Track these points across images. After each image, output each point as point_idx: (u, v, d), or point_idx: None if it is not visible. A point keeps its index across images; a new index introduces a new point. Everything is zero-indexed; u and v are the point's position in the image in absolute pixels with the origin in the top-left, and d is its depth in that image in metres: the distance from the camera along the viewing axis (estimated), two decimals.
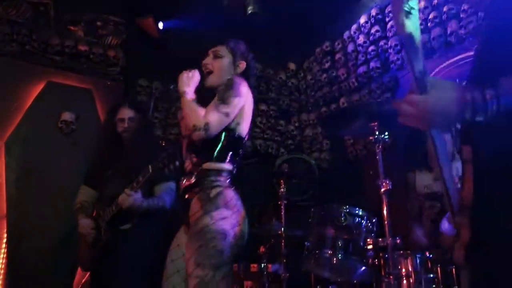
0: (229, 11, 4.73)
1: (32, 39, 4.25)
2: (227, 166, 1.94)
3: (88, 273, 3.10)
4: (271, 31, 5.14)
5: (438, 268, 2.35)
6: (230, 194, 1.88)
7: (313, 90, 5.50)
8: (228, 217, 1.80)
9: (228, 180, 1.92)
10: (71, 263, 3.81)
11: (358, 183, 4.40)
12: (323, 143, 5.27)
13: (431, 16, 3.93)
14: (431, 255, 2.41)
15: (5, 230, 3.79)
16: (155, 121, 4.75)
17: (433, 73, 3.95)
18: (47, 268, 3.80)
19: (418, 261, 2.39)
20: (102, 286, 2.77)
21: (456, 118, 1.03)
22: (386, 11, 4.51)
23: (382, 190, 2.32)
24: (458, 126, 1.17)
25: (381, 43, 4.51)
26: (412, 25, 0.99)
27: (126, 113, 2.92)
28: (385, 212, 2.28)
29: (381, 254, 2.48)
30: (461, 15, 3.68)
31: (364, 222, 2.56)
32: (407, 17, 0.97)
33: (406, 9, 0.98)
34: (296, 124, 5.65)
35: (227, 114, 1.90)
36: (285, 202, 3.40)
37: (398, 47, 4.31)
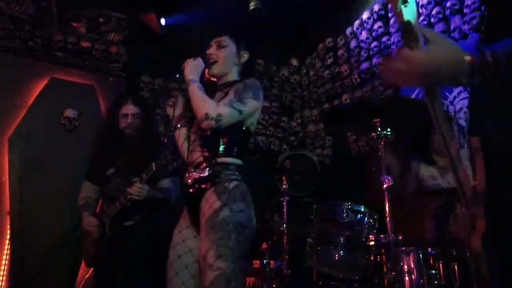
0: (231, 7, 4.72)
1: (35, 36, 4.26)
2: (238, 160, 1.96)
3: (92, 269, 3.11)
4: (274, 27, 5.13)
5: (440, 264, 2.35)
6: (245, 188, 1.90)
7: (316, 86, 5.49)
8: (244, 210, 1.82)
9: (242, 175, 1.94)
10: (75, 259, 3.84)
11: (360, 179, 4.39)
12: (325, 139, 5.27)
13: (434, 12, 3.91)
14: (433, 251, 2.40)
15: (8, 227, 3.81)
16: (157, 117, 4.75)
17: None
18: (51, 264, 3.82)
19: (420, 257, 2.39)
20: (105, 282, 2.78)
21: (451, 78, 0.98)
22: (389, 6, 4.49)
23: (385, 186, 2.33)
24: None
25: (384, 39, 4.50)
26: (410, 12, 0.97)
27: (130, 108, 2.92)
28: (387, 208, 2.28)
29: (383, 251, 2.48)
30: (465, 11, 3.66)
31: (366, 218, 2.56)
32: (404, 5, 0.97)
33: None
34: (299, 121, 5.65)
35: (240, 112, 1.90)
36: (287, 198, 3.40)
37: (401, 43, 4.28)
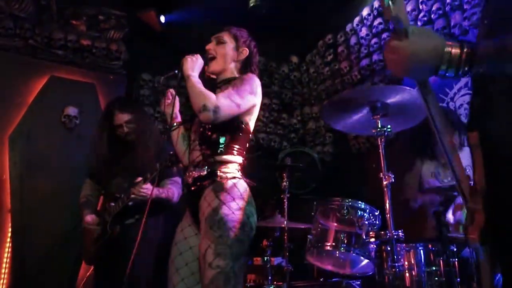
0: (231, 4, 4.71)
1: (35, 34, 4.26)
2: (237, 158, 1.95)
3: (92, 267, 3.12)
4: (274, 24, 5.12)
5: (441, 261, 2.35)
6: (244, 185, 1.90)
7: (316, 83, 5.48)
8: (244, 208, 1.81)
9: (239, 172, 1.93)
10: (76, 257, 3.85)
11: (361, 176, 4.39)
12: (326, 136, 5.27)
13: (434, 8, 3.90)
14: (433, 248, 2.41)
15: (9, 225, 3.82)
16: (157, 115, 4.75)
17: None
18: (52, 262, 3.83)
19: (420, 253, 2.40)
20: (106, 280, 2.79)
21: (432, 68, 1.04)
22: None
23: (385, 183, 2.32)
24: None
25: (384, 35, 4.49)
26: (398, 8, 1.02)
27: (122, 118, 2.88)
28: (387, 205, 2.28)
29: (383, 247, 2.48)
30: (465, 7, 3.65)
31: (366, 215, 2.56)
32: (392, 2, 1.01)
33: None
34: (299, 118, 5.65)
35: (238, 106, 1.88)
36: (288, 195, 3.41)
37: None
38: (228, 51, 2.07)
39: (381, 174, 2.35)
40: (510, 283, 1.01)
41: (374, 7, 4.63)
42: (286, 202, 3.35)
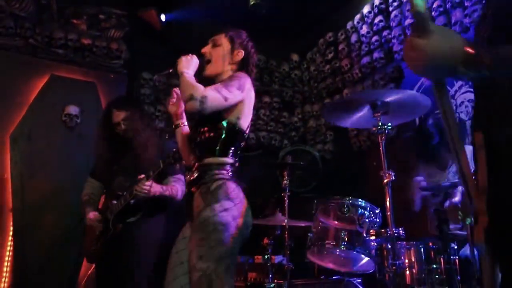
0: (231, 3, 4.71)
1: (35, 33, 4.26)
2: (229, 160, 1.94)
3: (94, 265, 3.13)
4: (274, 23, 5.12)
5: (441, 259, 2.35)
6: (232, 186, 1.87)
7: (317, 81, 5.48)
8: (230, 209, 1.79)
9: (230, 173, 1.92)
10: (77, 255, 3.86)
11: (361, 174, 4.40)
12: (326, 134, 5.27)
13: (435, 5, 3.90)
14: (434, 246, 2.41)
15: (10, 224, 3.83)
16: (158, 113, 4.76)
17: None
18: (53, 260, 3.84)
19: (421, 251, 2.40)
20: (107, 278, 2.80)
21: (450, 68, 1.02)
22: (390, 0, 4.47)
23: (385, 181, 2.33)
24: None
25: (385, 33, 4.48)
26: (421, 4, 1.00)
27: (119, 115, 2.90)
28: (388, 203, 2.28)
29: (384, 245, 2.48)
30: (466, 4, 3.65)
31: (367, 213, 2.56)
32: None
33: None
34: (300, 116, 5.65)
35: (226, 99, 1.88)
36: (289, 193, 3.41)
37: (402, 37, 4.28)
38: (223, 53, 2.07)
39: (381, 172, 2.35)
40: (509, 283, 1.01)
41: (374, 4, 4.62)
42: (287, 200, 3.35)
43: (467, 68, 1.00)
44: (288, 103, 5.69)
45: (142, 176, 2.62)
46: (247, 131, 2.05)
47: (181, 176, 2.85)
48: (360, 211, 2.57)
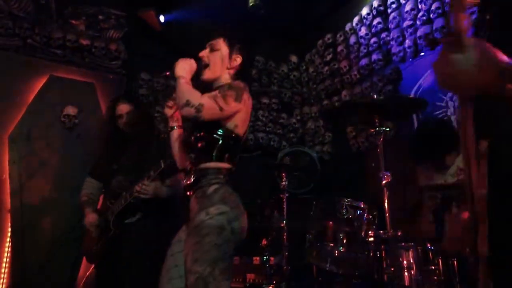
0: (230, 4, 4.72)
1: (34, 33, 4.25)
2: (225, 165, 1.94)
3: (93, 265, 3.12)
4: (273, 24, 5.13)
5: (440, 260, 2.36)
6: (228, 191, 1.89)
7: (315, 82, 5.49)
8: (225, 212, 1.80)
9: (226, 178, 1.92)
10: (76, 256, 3.86)
11: (360, 175, 4.40)
12: (325, 136, 5.28)
13: (433, 7, 3.91)
14: (432, 247, 2.41)
15: (9, 224, 3.82)
16: (157, 115, 4.76)
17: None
18: (52, 261, 3.84)
19: (419, 253, 2.40)
20: (107, 278, 2.80)
21: (487, 84, 0.97)
22: (388, 2, 4.49)
23: (383, 182, 2.33)
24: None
25: (383, 35, 4.49)
26: (460, 17, 0.97)
27: (123, 108, 2.93)
28: (386, 204, 2.29)
29: (382, 246, 2.48)
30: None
31: (365, 214, 2.57)
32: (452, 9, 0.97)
33: None
34: (298, 117, 5.66)
35: (221, 109, 1.88)
36: (287, 195, 3.41)
37: (400, 38, 4.29)
38: (221, 58, 2.08)
39: (380, 173, 2.36)
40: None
41: (373, 6, 4.63)
42: (285, 202, 3.36)
43: (503, 83, 0.95)
44: (287, 105, 5.70)
45: (144, 176, 2.62)
46: (245, 136, 2.06)
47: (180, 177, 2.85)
48: (358, 212, 2.58)
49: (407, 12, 4.21)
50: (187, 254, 1.76)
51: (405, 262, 2.41)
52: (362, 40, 4.75)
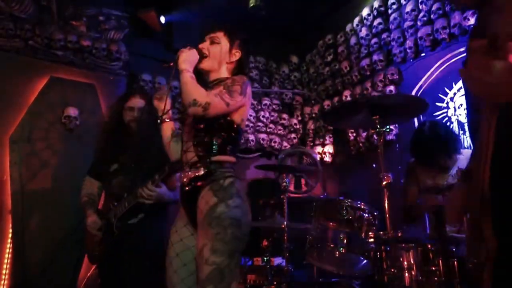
0: (231, 5, 4.72)
1: (35, 35, 4.26)
2: (231, 158, 1.98)
3: (94, 267, 3.12)
4: (274, 25, 5.13)
5: (440, 261, 2.35)
6: (241, 184, 1.92)
7: (316, 83, 5.49)
8: (240, 205, 1.83)
9: (235, 172, 1.96)
10: (77, 257, 3.86)
11: (360, 176, 4.40)
12: (326, 136, 5.27)
13: (434, 8, 3.91)
14: (433, 248, 2.41)
15: (10, 226, 3.83)
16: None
17: (436, 65, 3.94)
18: (53, 262, 3.84)
19: (419, 253, 2.40)
20: (110, 279, 2.79)
21: None
22: (389, 3, 4.49)
23: (384, 183, 2.33)
24: None
25: (384, 35, 4.49)
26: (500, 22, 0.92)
27: (137, 102, 2.89)
28: (386, 205, 2.29)
29: (382, 247, 2.48)
30: None
31: (365, 215, 2.56)
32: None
33: None
34: (299, 118, 5.66)
35: (228, 105, 1.91)
36: (288, 196, 3.41)
37: (401, 39, 4.29)
38: (220, 52, 2.09)
39: (380, 174, 2.35)
40: None
41: (374, 7, 4.63)
42: (286, 203, 3.35)
43: None
44: (288, 105, 5.70)
45: (149, 180, 2.60)
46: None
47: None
48: (358, 213, 2.57)
49: (407, 12, 4.21)
50: (204, 244, 1.75)
51: (405, 263, 2.41)
52: (362, 41, 4.75)
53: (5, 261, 3.75)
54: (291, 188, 3.53)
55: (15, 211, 3.86)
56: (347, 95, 4.90)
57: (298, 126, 5.63)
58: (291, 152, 5.31)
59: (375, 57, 4.56)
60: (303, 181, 5.10)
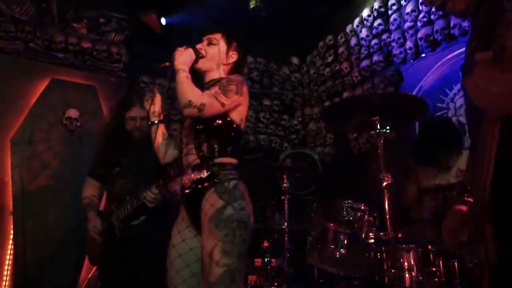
0: (232, 7, 4.73)
1: (35, 37, 4.27)
2: (234, 160, 1.98)
3: (94, 268, 3.12)
4: (274, 26, 5.14)
5: (440, 261, 2.35)
6: (243, 186, 1.93)
7: (316, 84, 5.50)
8: (245, 208, 1.85)
9: (238, 174, 1.96)
10: (78, 258, 3.87)
11: (361, 177, 4.40)
12: (326, 137, 5.28)
13: (434, 8, 3.91)
14: (433, 248, 2.41)
15: (11, 227, 3.84)
16: None
17: (437, 66, 3.94)
18: (54, 263, 3.85)
19: (420, 254, 2.40)
20: (111, 280, 2.79)
21: None
22: (389, 4, 4.49)
23: (384, 184, 2.33)
24: None
25: (384, 36, 4.50)
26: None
27: (138, 112, 2.90)
28: (387, 206, 2.29)
29: (383, 248, 2.48)
30: None
31: (366, 216, 2.56)
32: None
33: None
34: (300, 119, 5.66)
35: (223, 105, 1.91)
36: (288, 196, 3.41)
37: (401, 40, 4.29)
38: (217, 53, 2.10)
39: (380, 175, 2.35)
40: None
41: (374, 8, 4.64)
42: (287, 203, 3.36)
43: None
44: (288, 106, 5.71)
45: (153, 185, 2.60)
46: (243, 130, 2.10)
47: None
48: (358, 214, 2.58)
49: (407, 13, 4.21)
50: (214, 246, 1.75)
51: (405, 263, 2.41)
52: (363, 42, 4.75)
53: (6, 261, 3.76)
54: (292, 189, 3.52)
55: (16, 212, 3.87)
56: (347, 96, 4.90)
57: (298, 127, 5.63)
58: (292, 153, 5.31)
59: (375, 58, 4.56)
60: (303, 182, 5.09)
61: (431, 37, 3.94)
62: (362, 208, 2.60)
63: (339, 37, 5.17)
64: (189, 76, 1.96)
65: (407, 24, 4.20)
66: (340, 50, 5.11)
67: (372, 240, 2.49)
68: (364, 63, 4.69)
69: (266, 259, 3.24)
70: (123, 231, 2.73)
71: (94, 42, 4.55)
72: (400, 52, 4.29)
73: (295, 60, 5.77)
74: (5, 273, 3.74)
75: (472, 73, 1.00)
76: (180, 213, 2.04)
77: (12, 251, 3.79)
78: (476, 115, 1.08)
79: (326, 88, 5.30)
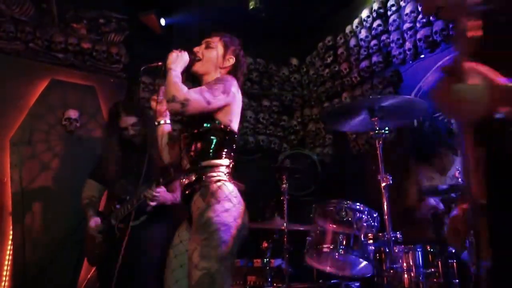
0: (231, 7, 4.73)
1: (35, 37, 4.27)
2: (224, 161, 1.97)
3: (94, 268, 3.13)
4: (274, 26, 5.14)
5: (439, 262, 2.36)
6: (230, 187, 1.91)
7: (316, 85, 5.50)
8: (230, 209, 1.83)
9: (226, 174, 1.95)
10: (77, 258, 3.87)
11: (360, 178, 4.40)
12: (325, 138, 5.28)
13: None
14: (432, 249, 2.42)
15: (10, 227, 3.84)
16: None
17: (436, 66, 3.95)
18: (53, 263, 3.85)
19: (419, 255, 2.41)
20: (109, 281, 2.79)
21: (491, 108, 0.98)
22: (388, 5, 4.50)
23: (383, 184, 2.34)
24: None
25: (383, 37, 4.50)
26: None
27: (127, 120, 2.91)
28: (385, 206, 2.30)
29: (382, 249, 2.49)
30: None
31: (365, 217, 2.57)
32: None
33: None
34: (299, 120, 5.67)
35: (208, 103, 1.90)
36: (288, 197, 3.42)
37: (400, 41, 4.30)
38: (214, 56, 2.11)
39: (379, 176, 2.36)
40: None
41: (373, 9, 4.64)
42: (286, 204, 3.36)
43: (506, 105, 0.96)
44: (288, 107, 5.71)
45: (154, 184, 2.61)
46: (238, 133, 2.08)
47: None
48: (358, 215, 2.58)
49: (407, 14, 4.22)
50: (194, 250, 1.77)
51: (404, 264, 2.42)
52: (362, 43, 4.76)
53: (6, 262, 3.76)
54: (291, 189, 3.52)
55: (16, 212, 3.87)
56: (346, 96, 4.91)
57: (298, 128, 5.63)
58: (291, 154, 5.32)
59: (374, 58, 4.57)
60: (303, 182, 5.10)
61: (430, 38, 3.95)
62: (361, 208, 2.61)
63: (338, 38, 5.17)
64: (179, 76, 1.97)
65: (406, 25, 4.21)
66: (340, 51, 5.12)
67: (371, 241, 2.49)
68: (363, 64, 4.70)
69: (265, 259, 3.24)
70: (123, 232, 2.73)
71: (94, 42, 4.55)
72: (399, 53, 4.30)
73: (294, 61, 5.77)
74: (4, 273, 3.74)
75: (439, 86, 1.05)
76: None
77: (11, 252, 3.79)
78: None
79: (325, 89, 5.30)
